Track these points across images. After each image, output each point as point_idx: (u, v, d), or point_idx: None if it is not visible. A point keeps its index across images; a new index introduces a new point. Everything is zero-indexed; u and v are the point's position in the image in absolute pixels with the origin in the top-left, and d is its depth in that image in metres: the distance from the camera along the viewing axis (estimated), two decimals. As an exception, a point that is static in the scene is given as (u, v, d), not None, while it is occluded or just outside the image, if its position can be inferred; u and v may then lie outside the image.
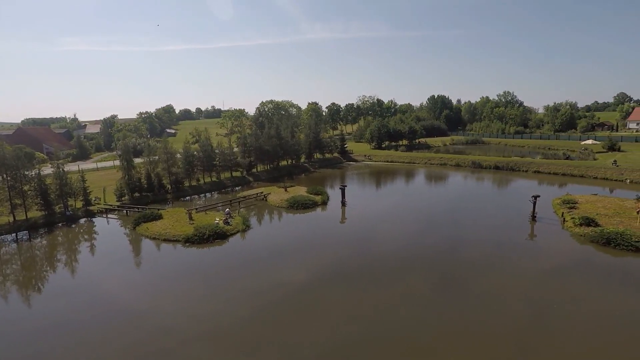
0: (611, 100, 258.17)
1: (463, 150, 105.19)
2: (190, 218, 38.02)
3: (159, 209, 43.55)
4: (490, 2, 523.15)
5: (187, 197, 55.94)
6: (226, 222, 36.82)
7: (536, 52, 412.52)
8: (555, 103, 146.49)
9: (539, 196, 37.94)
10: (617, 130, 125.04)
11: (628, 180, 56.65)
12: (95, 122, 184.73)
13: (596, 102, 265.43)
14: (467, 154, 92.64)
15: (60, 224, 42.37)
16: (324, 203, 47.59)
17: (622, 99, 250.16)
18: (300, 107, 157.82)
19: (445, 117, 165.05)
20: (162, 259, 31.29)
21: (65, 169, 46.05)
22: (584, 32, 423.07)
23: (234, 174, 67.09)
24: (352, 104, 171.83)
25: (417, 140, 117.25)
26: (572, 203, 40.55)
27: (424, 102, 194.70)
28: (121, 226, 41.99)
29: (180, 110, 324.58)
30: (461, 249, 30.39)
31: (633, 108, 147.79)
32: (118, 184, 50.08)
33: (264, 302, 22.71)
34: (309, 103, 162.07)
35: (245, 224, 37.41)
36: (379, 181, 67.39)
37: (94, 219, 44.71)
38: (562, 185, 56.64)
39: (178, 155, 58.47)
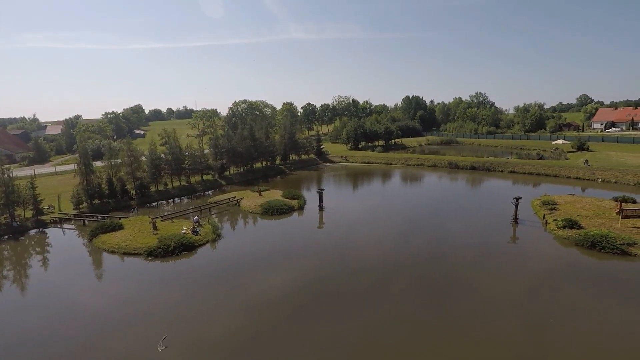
0: (574, 101, 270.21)
1: (438, 151, 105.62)
2: (155, 228, 34.73)
3: (120, 218, 39.97)
4: (459, 6, 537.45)
5: (154, 203, 52.18)
6: (194, 232, 33.82)
7: (505, 54, 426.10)
8: (525, 104, 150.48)
9: (520, 198, 37.15)
10: (583, 130, 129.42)
11: (600, 180, 57.53)
12: (57, 123, 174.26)
13: (560, 103, 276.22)
14: (442, 154, 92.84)
15: (6, 237, 37.96)
16: (301, 208, 45.25)
17: (584, 100, 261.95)
18: (275, 108, 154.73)
19: (420, 117, 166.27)
20: (120, 274, 28.04)
21: (13, 174, 41.52)
22: (549, 37, 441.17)
23: (205, 177, 63.60)
24: (328, 104, 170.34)
25: (393, 141, 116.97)
26: (551, 204, 40.11)
27: (399, 103, 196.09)
28: (79, 236, 38.18)
29: (150, 111, 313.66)
30: (447, 257, 28.82)
31: (596, 109, 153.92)
32: (75, 190, 45.81)
33: (234, 326, 20.17)
34: (283, 103, 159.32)
35: (216, 232, 34.52)
36: (357, 183, 65.73)
37: (46, 230, 40.50)
38: (538, 185, 56.85)
39: (143, 158, 54.54)
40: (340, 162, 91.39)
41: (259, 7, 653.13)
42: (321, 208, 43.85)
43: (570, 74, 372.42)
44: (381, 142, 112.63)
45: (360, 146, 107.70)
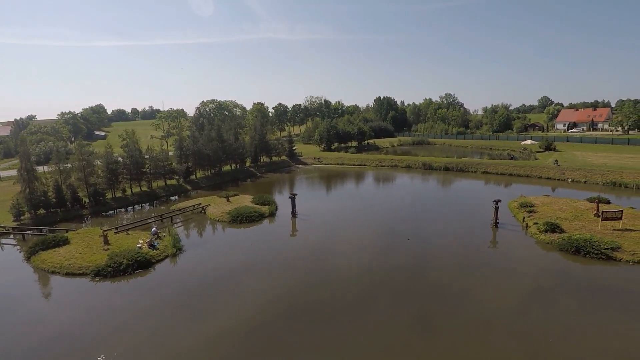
0: (536, 103, 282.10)
1: (410, 151, 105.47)
2: (106, 242, 30.72)
3: (67, 230, 35.58)
4: (426, 10, 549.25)
5: (110, 212, 47.55)
6: (151, 245, 30.12)
7: (472, 56, 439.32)
8: (492, 105, 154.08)
9: (500, 201, 36.03)
10: (547, 131, 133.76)
11: (570, 180, 58.19)
12: (7, 124, 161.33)
13: (524, 104, 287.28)
14: (414, 154, 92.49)
15: None
16: (272, 214, 42.30)
17: (545, 102, 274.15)
18: (245, 108, 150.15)
19: (392, 118, 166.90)
20: (59, 300, 24.09)
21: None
22: (509, 41, 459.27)
23: (169, 182, 59.20)
24: (300, 104, 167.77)
25: (366, 142, 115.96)
26: (529, 206, 39.33)
27: (370, 104, 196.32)
28: (19, 252, 33.39)
29: (113, 111, 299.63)
30: (431, 268, 26.84)
31: (558, 110, 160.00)
32: (15, 199, 40.63)
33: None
34: (254, 103, 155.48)
35: (176, 246, 30.91)
36: (331, 186, 63.42)
37: (-22, 246, 35.39)
38: (511, 186, 56.87)
39: (97, 162, 49.68)
40: (313, 163, 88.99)
41: (234, 6, 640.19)
42: (294, 214, 41.12)
43: (531, 76, 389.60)
44: (354, 143, 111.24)
45: (333, 147, 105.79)
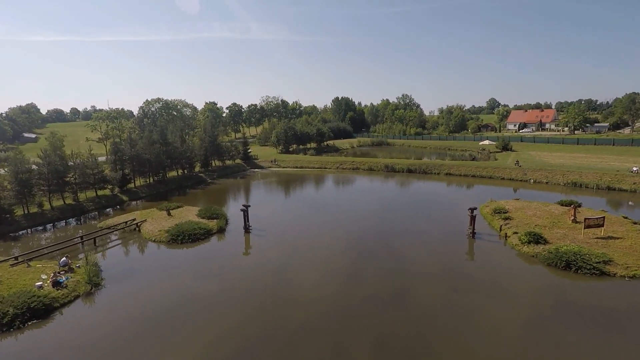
0: (485, 104, 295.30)
1: (370, 152, 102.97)
2: (-6, 280, 23.34)
3: (-52, 263, 27.34)
4: (382, 13, 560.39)
5: (22, 232, 39.03)
6: (56, 282, 23.17)
7: (426, 58, 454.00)
8: (448, 106, 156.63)
9: (475, 208, 32.80)
10: (500, 131, 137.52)
11: (532, 180, 57.46)
12: None
13: (474, 105, 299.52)
14: (374, 155, 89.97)
15: None
16: (222, 230, 36.28)
17: (493, 103, 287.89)
18: (196, 108, 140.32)
19: (350, 119, 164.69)
20: None
21: None
22: (456, 47, 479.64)
23: (101, 192, 50.82)
24: (255, 104, 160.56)
25: (325, 143, 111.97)
26: (503, 212, 36.65)
27: (328, 105, 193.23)
28: None
29: (48, 111, 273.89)
30: (411, 297, 22.40)
31: (508, 112, 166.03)
32: None
33: None
34: (206, 103, 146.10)
35: (93, 280, 24.17)
36: (289, 192, 58.11)
37: None
38: (473, 187, 55.56)
39: (2, 171, 40.76)
40: (271, 167, 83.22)
41: (179, 5, 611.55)
42: (247, 229, 35.46)
43: (479, 79, 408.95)
44: (313, 145, 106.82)
45: (291, 149, 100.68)
